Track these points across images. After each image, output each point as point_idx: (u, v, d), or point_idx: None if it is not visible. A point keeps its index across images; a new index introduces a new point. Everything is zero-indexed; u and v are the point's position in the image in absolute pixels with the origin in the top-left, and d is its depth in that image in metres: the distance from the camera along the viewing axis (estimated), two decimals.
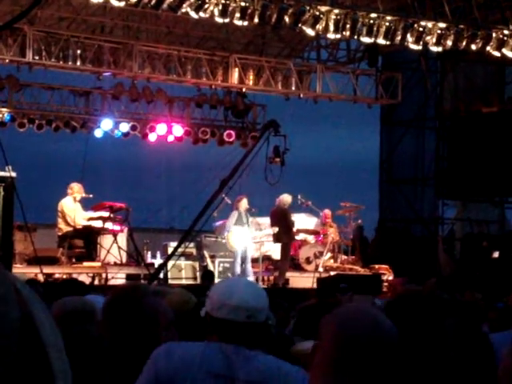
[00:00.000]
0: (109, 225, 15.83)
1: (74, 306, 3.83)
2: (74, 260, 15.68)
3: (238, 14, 14.97)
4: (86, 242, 15.71)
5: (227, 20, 15.13)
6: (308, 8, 15.35)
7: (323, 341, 2.20)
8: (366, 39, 16.29)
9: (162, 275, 14.67)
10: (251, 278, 16.50)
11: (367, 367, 2.13)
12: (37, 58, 17.68)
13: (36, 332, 1.07)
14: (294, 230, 17.43)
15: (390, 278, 17.46)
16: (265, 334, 3.07)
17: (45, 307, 1.13)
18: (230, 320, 3.01)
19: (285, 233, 16.83)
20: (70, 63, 18.10)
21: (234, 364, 2.97)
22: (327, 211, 18.69)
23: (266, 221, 18.35)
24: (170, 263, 15.18)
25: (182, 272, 16.22)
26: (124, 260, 16.18)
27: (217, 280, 15.90)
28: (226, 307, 3.03)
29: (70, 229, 15.56)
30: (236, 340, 3.02)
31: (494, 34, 16.68)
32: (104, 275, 15.13)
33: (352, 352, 2.14)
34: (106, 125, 20.77)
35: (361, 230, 20.14)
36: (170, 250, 15.93)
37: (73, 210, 15.63)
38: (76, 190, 15.78)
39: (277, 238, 16.92)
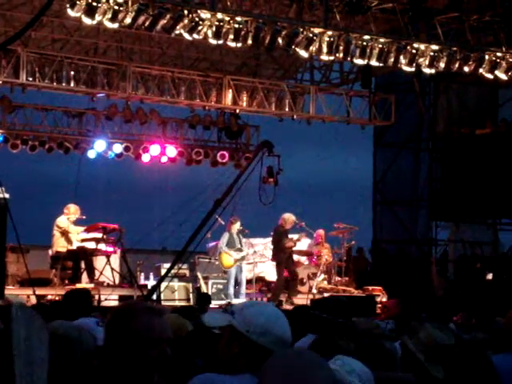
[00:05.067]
0: (102, 246, 15.80)
1: (56, 330, 3.76)
2: (66, 281, 15.61)
3: (231, 36, 14.99)
4: (78, 263, 15.65)
5: (221, 42, 15.16)
6: (301, 30, 15.39)
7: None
8: (359, 61, 16.34)
9: (155, 297, 14.61)
10: (243, 299, 16.45)
11: None
12: (30, 79, 17.68)
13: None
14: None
15: (384, 299, 17.41)
16: None
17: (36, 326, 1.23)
18: (270, 350, 2.92)
19: (275, 253, 16.83)
20: (63, 84, 18.11)
21: None
22: (320, 231, 18.66)
23: (259, 241, 18.33)
24: (163, 284, 15.12)
25: (175, 293, 16.16)
26: (117, 281, 16.12)
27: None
28: (271, 336, 2.95)
29: (64, 249, 15.51)
30: None
31: (486, 57, 16.75)
32: (97, 297, 15.06)
33: None
34: (99, 146, 20.76)
35: (352, 251, 20.15)
36: (163, 272, 15.87)
37: (66, 228, 15.61)
38: (72, 210, 15.75)
39: (272, 256, 16.98)
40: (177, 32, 14.76)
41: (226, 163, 21.96)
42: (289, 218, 17.09)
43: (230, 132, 22.18)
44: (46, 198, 23.73)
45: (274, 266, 17.18)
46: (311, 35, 15.46)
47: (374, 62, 16.26)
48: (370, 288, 18.20)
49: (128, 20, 14.27)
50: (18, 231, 11.55)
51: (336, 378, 2.65)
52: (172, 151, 21.47)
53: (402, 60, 16.28)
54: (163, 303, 14.80)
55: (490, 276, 19.01)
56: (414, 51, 16.27)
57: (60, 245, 15.57)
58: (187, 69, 20.06)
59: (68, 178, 20.88)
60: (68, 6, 13.88)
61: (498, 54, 16.87)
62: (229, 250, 16.62)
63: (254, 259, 17.50)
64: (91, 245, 15.69)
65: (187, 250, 14.65)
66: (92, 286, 15.34)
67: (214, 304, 15.61)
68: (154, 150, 21.26)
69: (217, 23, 14.73)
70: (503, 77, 17.15)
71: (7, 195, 13.13)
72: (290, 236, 17.17)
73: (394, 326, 6.98)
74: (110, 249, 16.01)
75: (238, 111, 21.18)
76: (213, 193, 14.91)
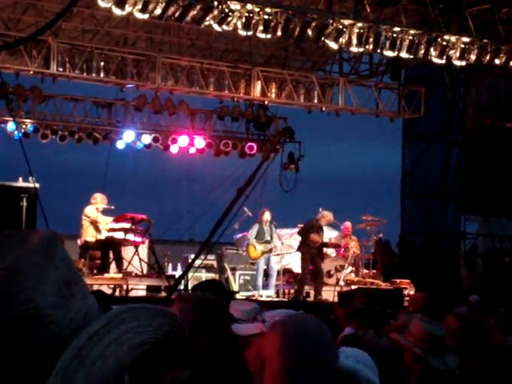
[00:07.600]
0: (130, 236, 15.86)
1: None
2: (95, 271, 15.71)
3: (261, 27, 14.98)
4: (107, 253, 15.73)
5: (250, 33, 15.15)
6: (331, 21, 15.34)
7: (273, 351, 2.19)
8: (389, 53, 16.26)
9: (182, 287, 14.64)
10: (272, 291, 16.46)
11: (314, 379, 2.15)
12: (61, 69, 17.77)
13: None
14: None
15: (412, 292, 17.35)
16: None
17: None
18: None
19: (300, 246, 16.80)
20: (93, 75, 18.19)
21: None
22: (348, 224, 18.58)
23: (286, 232, 18.31)
24: (190, 275, 15.16)
25: None
26: (145, 271, 16.20)
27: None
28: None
29: (92, 239, 15.59)
30: None
31: None
32: (125, 287, 15.15)
33: (299, 364, 2.15)
34: (128, 136, 20.85)
35: (381, 244, 20.02)
36: None
37: (95, 218, 15.68)
38: (99, 200, 15.80)
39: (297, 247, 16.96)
40: (206, 23, 14.77)
41: (254, 155, 21.96)
42: (328, 215, 17.01)
43: (259, 123, 22.17)
44: (76, 187, 23.88)
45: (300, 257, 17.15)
46: (341, 27, 15.40)
47: (403, 54, 16.17)
48: (398, 281, 18.13)
49: (158, 11, 14.31)
50: (47, 221, 11.62)
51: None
52: (200, 142, 21.51)
53: (433, 52, 16.18)
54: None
55: None
56: (444, 43, 16.17)
57: (89, 234, 15.64)
58: (216, 60, 20.06)
59: (97, 169, 21.02)
60: None
61: None
62: (256, 242, 16.61)
63: (281, 250, 17.47)
64: (120, 235, 15.75)
65: (212, 239, 14.66)
66: (120, 275, 15.44)
67: (242, 295, 15.65)
68: (183, 141, 21.31)
69: (246, 14, 14.72)
70: None
71: (37, 185, 13.24)
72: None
73: None
74: (139, 239, 16.08)
75: (266, 103, 21.16)
76: (240, 184, 14.90)
